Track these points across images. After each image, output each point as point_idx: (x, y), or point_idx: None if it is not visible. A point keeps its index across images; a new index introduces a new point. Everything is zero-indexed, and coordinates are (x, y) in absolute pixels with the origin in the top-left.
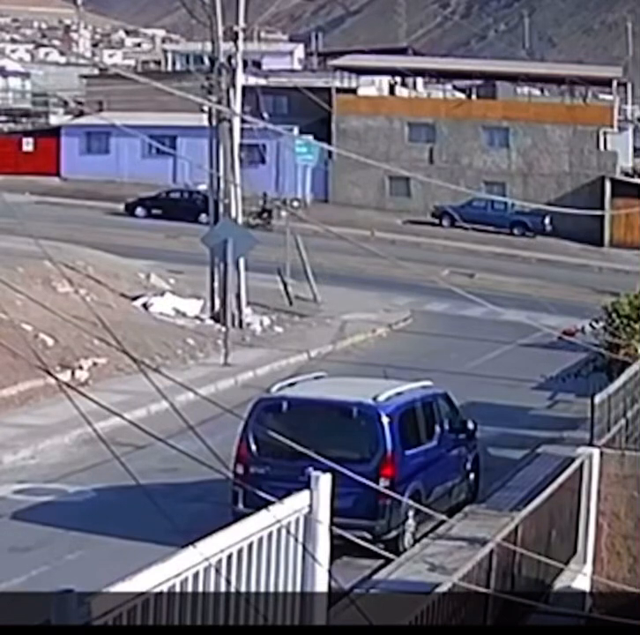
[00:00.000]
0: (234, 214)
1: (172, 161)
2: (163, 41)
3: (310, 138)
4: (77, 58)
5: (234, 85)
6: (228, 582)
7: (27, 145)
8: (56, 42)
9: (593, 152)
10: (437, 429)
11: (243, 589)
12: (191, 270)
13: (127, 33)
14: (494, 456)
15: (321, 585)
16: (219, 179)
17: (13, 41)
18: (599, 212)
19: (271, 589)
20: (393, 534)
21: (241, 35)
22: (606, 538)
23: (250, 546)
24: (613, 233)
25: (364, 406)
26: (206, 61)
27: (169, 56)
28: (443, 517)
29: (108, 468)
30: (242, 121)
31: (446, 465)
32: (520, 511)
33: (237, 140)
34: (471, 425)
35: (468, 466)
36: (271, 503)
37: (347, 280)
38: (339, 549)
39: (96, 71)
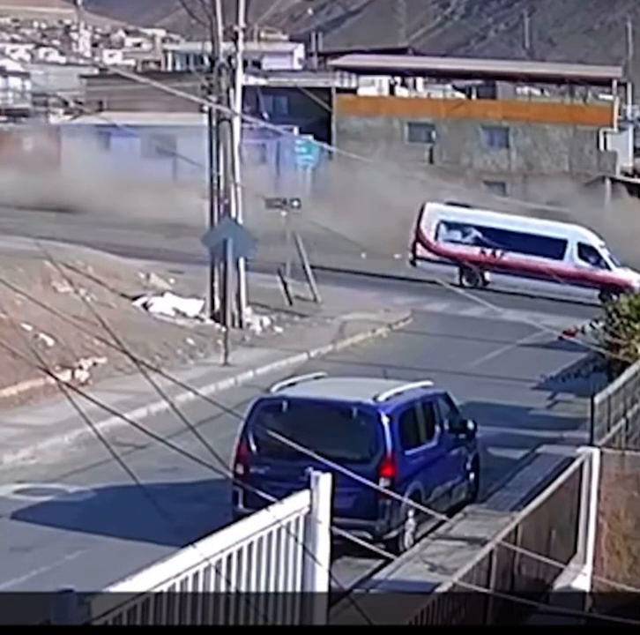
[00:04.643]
0: (233, 214)
1: (172, 161)
2: (163, 40)
3: (310, 138)
4: (77, 58)
5: (234, 85)
6: (228, 582)
7: (27, 144)
8: (56, 42)
9: (593, 152)
10: (437, 429)
11: (243, 589)
12: (191, 270)
13: (127, 33)
14: (494, 456)
15: (321, 585)
16: (219, 179)
17: (13, 41)
18: (598, 212)
19: (271, 589)
20: (393, 534)
21: (241, 35)
22: (606, 538)
23: (250, 546)
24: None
25: (364, 406)
26: (206, 61)
27: (169, 56)
28: (443, 517)
29: (108, 468)
30: (242, 121)
31: (446, 465)
32: (520, 511)
33: (237, 140)
34: (471, 425)
35: (468, 466)
36: (271, 503)
37: (347, 280)
38: (339, 549)
39: (96, 71)
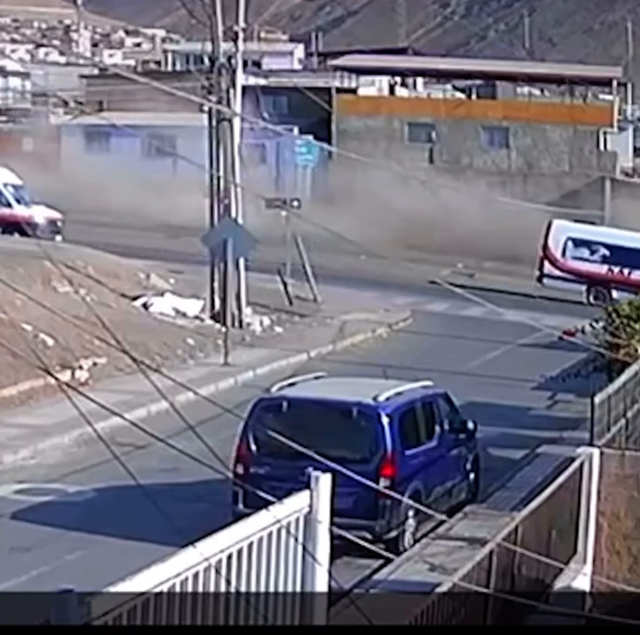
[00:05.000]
0: (233, 214)
1: (172, 161)
2: (163, 40)
3: (310, 138)
4: (77, 58)
5: (234, 85)
6: (228, 582)
7: (27, 144)
8: (56, 42)
9: (593, 152)
10: (437, 429)
11: (243, 589)
12: (191, 270)
13: (127, 33)
14: (494, 456)
15: (321, 585)
16: (219, 179)
17: (13, 41)
18: (598, 212)
19: (271, 589)
20: (393, 534)
21: (241, 35)
22: (606, 538)
23: (250, 546)
24: None
25: (364, 406)
26: (206, 61)
27: (169, 56)
28: (443, 517)
29: (108, 468)
30: (242, 121)
31: (446, 465)
32: (520, 511)
33: (237, 140)
34: (471, 425)
35: (468, 466)
36: (271, 503)
37: (347, 280)
38: (339, 548)
39: (96, 71)
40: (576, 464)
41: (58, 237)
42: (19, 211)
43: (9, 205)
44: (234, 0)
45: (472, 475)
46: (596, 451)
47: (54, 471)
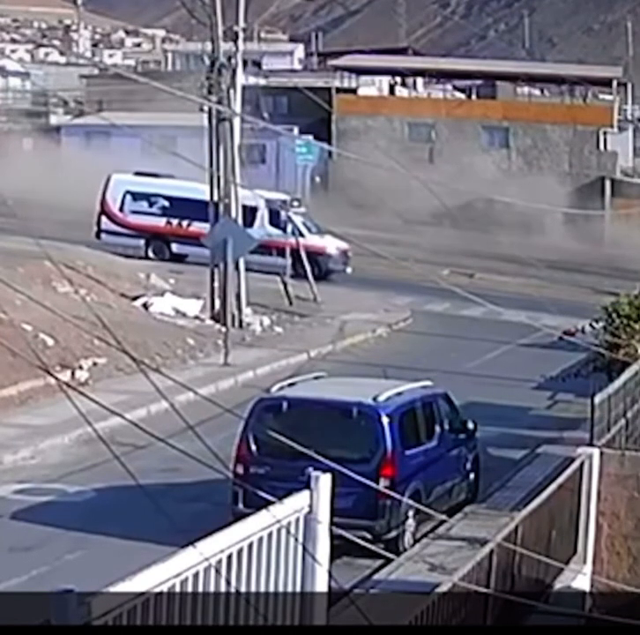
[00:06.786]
0: (233, 214)
1: (172, 162)
2: (163, 41)
3: (310, 138)
4: (77, 58)
5: (234, 85)
6: (228, 582)
7: (27, 144)
8: (56, 42)
9: (593, 152)
10: (437, 429)
11: (243, 589)
12: (191, 270)
13: (127, 33)
14: (494, 456)
15: (321, 585)
16: (219, 179)
17: (13, 41)
18: (599, 212)
19: (271, 589)
20: (393, 534)
21: (241, 35)
22: (606, 538)
23: (250, 546)
24: None
25: (364, 406)
26: (206, 61)
27: (169, 56)
28: (443, 517)
29: (108, 468)
30: (242, 121)
31: (446, 465)
32: (520, 511)
33: (237, 140)
34: (471, 425)
35: (468, 466)
36: (271, 503)
37: (347, 280)
38: (339, 548)
39: (96, 71)
40: (576, 464)
41: (348, 269)
42: (312, 241)
43: (300, 234)
44: (234, 0)
45: (472, 475)
46: (596, 452)
47: (54, 471)
